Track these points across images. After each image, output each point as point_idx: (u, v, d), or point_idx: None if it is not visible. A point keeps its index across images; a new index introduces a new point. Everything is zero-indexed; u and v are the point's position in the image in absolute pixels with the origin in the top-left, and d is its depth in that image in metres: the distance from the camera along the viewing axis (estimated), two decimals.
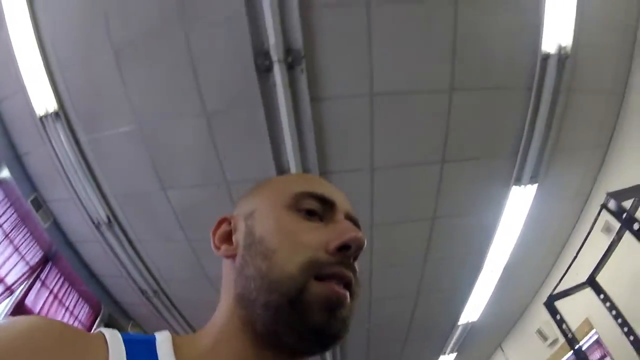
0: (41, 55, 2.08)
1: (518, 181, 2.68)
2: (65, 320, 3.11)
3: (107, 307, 3.53)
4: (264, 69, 2.05)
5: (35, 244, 2.83)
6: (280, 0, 1.85)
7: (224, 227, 0.54)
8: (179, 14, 1.91)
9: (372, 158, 2.49)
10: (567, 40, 2.12)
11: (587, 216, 2.96)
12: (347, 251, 0.47)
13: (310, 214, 0.50)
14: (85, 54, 2.08)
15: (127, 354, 0.42)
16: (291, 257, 0.46)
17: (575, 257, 2.46)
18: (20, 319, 0.40)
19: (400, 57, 2.10)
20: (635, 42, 2.34)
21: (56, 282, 3.08)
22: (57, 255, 3.03)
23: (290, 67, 2.04)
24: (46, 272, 2.97)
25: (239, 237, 0.51)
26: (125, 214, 2.74)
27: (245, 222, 0.52)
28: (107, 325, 3.19)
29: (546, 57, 2.16)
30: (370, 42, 2.04)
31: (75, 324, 3.24)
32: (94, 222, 2.77)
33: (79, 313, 3.31)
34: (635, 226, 1.82)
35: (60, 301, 3.11)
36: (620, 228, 2.11)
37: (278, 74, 2.04)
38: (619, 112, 2.58)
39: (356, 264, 0.49)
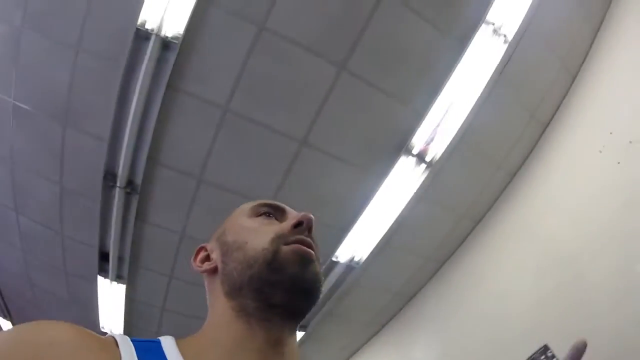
0: None
1: None
2: None
3: None
4: (108, 188, 2.66)
5: None
6: (135, 146, 2.48)
7: (202, 254, 0.64)
8: (63, 113, 2.48)
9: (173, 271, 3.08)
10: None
11: None
12: (301, 226, 0.58)
13: (267, 216, 0.63)
14: None
15: (136, 351, 0.46)
16: (260, 239, 0.56)
17: None
18: (38, 323, 0.43)
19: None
20: None
21: None
22: None
23: (128, 193, 2.67)
24: None
25: (216, 254, 0.61)
26: None
27: (218, 240, 0.62)
28: None
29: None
30: (191, 206, 2.71)
31: None
32: None
33: None
34: None
35: None
36: None
37: (116, 198, 2.66)
38: None
39: (315, 238, 0.59)
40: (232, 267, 0.56)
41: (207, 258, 0.62)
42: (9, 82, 2.38)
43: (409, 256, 3.05)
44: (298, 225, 0.58)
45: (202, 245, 0.65)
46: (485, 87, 2.36)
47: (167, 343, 0.50)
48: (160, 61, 2.18)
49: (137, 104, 2.29)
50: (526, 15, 2.21)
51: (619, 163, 1.97)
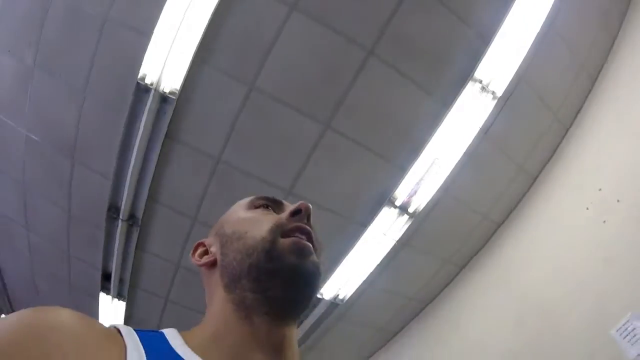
0: None
1: None
2: None
3: None
4: (112, 219, 2.80)
5: None
6: (137, 185, 2.62)
7: (200, 249, 0.63)
8: (71, 149, 2.63)
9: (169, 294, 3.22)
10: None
11: None
12: (299, 214, 0.57)
13: (265, 208, 0.63)
14: None
15: (141, 341, 0.45)
16: (259, 228, 0.56)
17: None
18: (40, 308, 0.41)
19: None
20: None
21: None
22: None
23: (130, 225, 2.81)
24: None
25: (215, 247, 0.60)
26: None
27: (217, 234, 0.61)
28: None
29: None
30: (186, 241, 2.82)
31: None
32: None
33: None
34: None
35: None
36: None
37: (119, 228, 2.80)
38: None
39: (313, 228, 0.59)
40: (232, 257, 0.55)
41: (206, 253, 0.62)
42: (21, 113, 2.54)
43: (393, 296, 3.08)
44: (296, 213, 0.58)
45: (200, 241, 0.64)
46: (473, 140, 2.38)
47: (171, 334, 0.50)
48: (159, 112, 2.29)
49: (138, 149, 2.41)
50: (517, 72, 2.22)
51: (604, 222, 1.97)
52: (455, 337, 2.76)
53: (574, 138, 2.50)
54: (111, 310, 3.52)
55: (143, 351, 0.43)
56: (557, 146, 2.59)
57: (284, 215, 0.58)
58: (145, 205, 2.70)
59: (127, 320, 3.59)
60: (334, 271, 2.88)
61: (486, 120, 2.34)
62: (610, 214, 1.95)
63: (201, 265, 0.60)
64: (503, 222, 2.80)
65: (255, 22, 2.05)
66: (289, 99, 2.22)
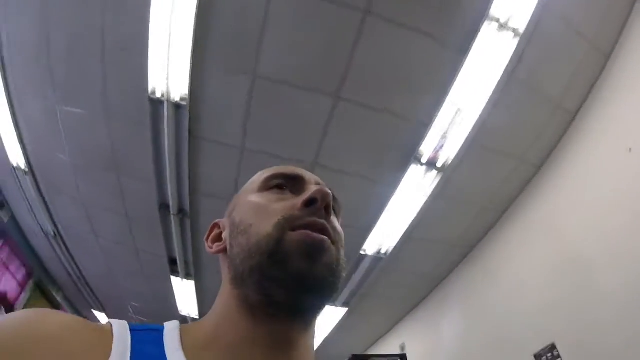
0: None
1: None
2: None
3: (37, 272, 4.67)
4: (165, 215, 3.10)
5: None
6: (178, 183, 2.85)
7: (215, 231, 0.58)
8: (112, 166, 2.89)
9: None
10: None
11: None
12: (315, 204, 0.48)
13: (280, 189, 0.54)
14: None
15: (132, 342, 0.42)
16: (265, 222, 0.48)
17: None
18: (28, 312, 0.41)
19: None
20: None
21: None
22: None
23: (181, 218, 3.10)
24: None
25: (226, 232, 0.54)
26: None
27: (229, 217, 0.55)
28: (37, 287, 4.44)
29: None
30: None
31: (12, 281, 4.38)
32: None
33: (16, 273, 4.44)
34: None
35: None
36: None
37: (172, 222, 3.11)
38: None
39: (335, 219, 0.51)
40: (236, 252, 0.49)
41: (219, 237, 0.56)
42: (61, 144, 2.78)
43: (435, 244, 3.23)
44: (310, 203, 0.48)
45: (216, 221, 0.59)
46: (498, 84, 2.23)
47: (170, 332, 0.47)
48: (177, 119, 2.43)
49: (169, 152, 2.60)
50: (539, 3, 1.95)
51: None
52: (495, 283, 2.85)
53: (615, 69, 2.20)
54: (183, 289, 3.97)
55: (128, 355, 0.41)
56: (597, 79, 2.31)
57: (297, 204, 0.49)
58: (190, 199, 2.95)
59: (200, 295, 4.04)
60: (372, 229, 3.03)
61: (510, 61, 2.14)
62: None
63: (213, 254, 0.55)
64: (542, 165, 2.67)
65: (239, 10, 2.02)
66: (293, 80, 2.25)
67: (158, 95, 2.31)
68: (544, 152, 2.65)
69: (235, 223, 0.52)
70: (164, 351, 0.44)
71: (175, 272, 3.80)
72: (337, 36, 2.11)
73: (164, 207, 3.07)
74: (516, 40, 2.10)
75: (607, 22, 2.20)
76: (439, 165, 2.59)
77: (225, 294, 0.50)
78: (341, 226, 0.54)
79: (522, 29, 2.05)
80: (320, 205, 0.48)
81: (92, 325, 0.43)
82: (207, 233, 0.58)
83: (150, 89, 2.30)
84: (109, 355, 0.40)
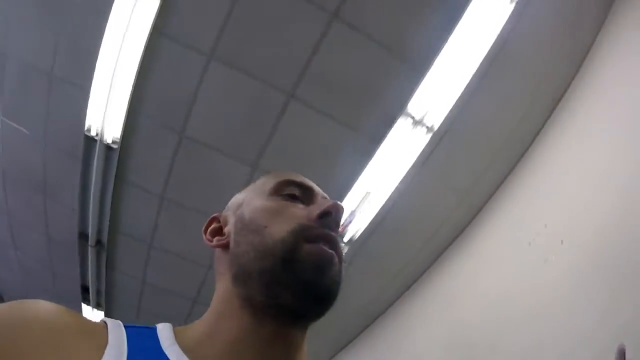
0: None
1: None
2: None
3: None
4: (82, 244, 3.20)
5: None
6: (99, 217, 2.98)
7: (214, 224, 0.58)
8: (41, 187, 3.01)
9: (140, 303, 3.60)
10: None
11: None
12: (328, 217, 0.51)
13: (292, 198, 0.55)
14: None
15: (128, 338, 0.43)
16: (281, 227, 0.49)
17: None
18: (23, 302, 0.41)
19: None
20: None
21: None
22: None
23: (97, 250, 3.20)
24: None
25: (229, 227, 0.55)
26: None
27: (235, 213, 0.56)
28: None
29: None
30: (147, 263, 3.19)
31: None
32: None
33: None
34: None
35: None
36: None
37: (89, 253, 3.20)
38: None
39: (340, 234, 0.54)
40: (245, 249, 0.50)
41: (220, 231, 0.57)
42: None
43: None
44: (325, 215, 0.51)
45: (215, 214, 0.60)
46: (410, 169, 2.39)
47: (164, 330, 0.47)
48: (106, 159, 2.61)
49: (94, 189, 2.75)
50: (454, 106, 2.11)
51: (545, 261, 1.87)
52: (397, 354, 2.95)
53: (525, 169, 2.34)
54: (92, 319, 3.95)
55: (125, 348, 0.42)
56: (506, 177, 2.45)
57: (311, 214, 0.51)
58: (108, 234, 3.07)
59: None
60: None
61: (422, 152, 2.29)
62: (553, 252, 1.83)
63: (213, 247, 0.56)
64: (445, 250, 2.77)
65: (175, 74, 2.23)
66: (218, 145, 2.49)
67: (93, 133, 2.51)
68: (448, 239, 2.77)
69: (244, 220, 0.53)
70: (159, 344, 0.45)
71: (86, 300, 3.81)
72: (260, 112, 2.32)
73: (83, 236, 3.16)
74: (429, 136, 2.26)
75: (521, 127, 2.31)
76: (345, 240, 2.81)
77: (224, 292, 0.51)
78: None
79: (436, 127, 2.22)
80: (333, 219, 0.52)
81: (84, 318, 0.46)
82: (205, 226, 0.59)
83: (86, 126, 2.49)
84: (104, 346, 0.41)
